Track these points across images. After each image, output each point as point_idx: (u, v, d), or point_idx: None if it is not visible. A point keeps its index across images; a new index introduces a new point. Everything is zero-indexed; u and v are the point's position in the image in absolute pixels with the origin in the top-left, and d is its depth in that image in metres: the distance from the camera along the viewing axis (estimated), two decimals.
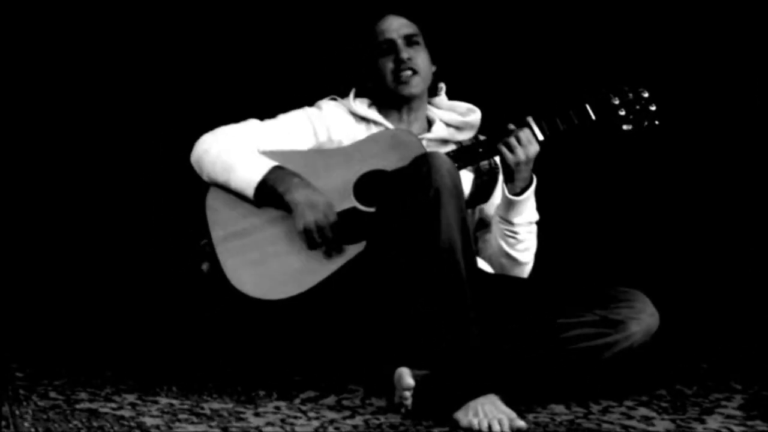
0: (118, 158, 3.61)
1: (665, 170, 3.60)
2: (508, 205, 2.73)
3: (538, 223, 2.78)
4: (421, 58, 2.83)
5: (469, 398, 2.39)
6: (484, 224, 2.87)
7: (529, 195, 2.73)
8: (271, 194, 2.67)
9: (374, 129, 2.84)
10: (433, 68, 2.89)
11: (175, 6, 3.56)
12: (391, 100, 2.86)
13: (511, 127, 2.71)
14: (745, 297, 3.54)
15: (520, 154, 2.68)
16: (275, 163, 2.70)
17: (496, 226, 2.78)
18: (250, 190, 2.68)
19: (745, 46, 3.57)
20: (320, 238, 2.64)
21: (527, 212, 2.75)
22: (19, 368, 2.85)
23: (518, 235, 2.76)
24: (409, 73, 2.81)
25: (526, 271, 2.82)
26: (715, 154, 3.59)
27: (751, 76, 3.58)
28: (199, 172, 2.75)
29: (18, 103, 3.57)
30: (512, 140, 2.68)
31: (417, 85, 2.83)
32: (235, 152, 2.71)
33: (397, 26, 2.84)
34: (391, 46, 2.83)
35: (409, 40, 2.83)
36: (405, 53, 2.81)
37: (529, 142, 2.68)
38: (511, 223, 2.75)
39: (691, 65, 3.56)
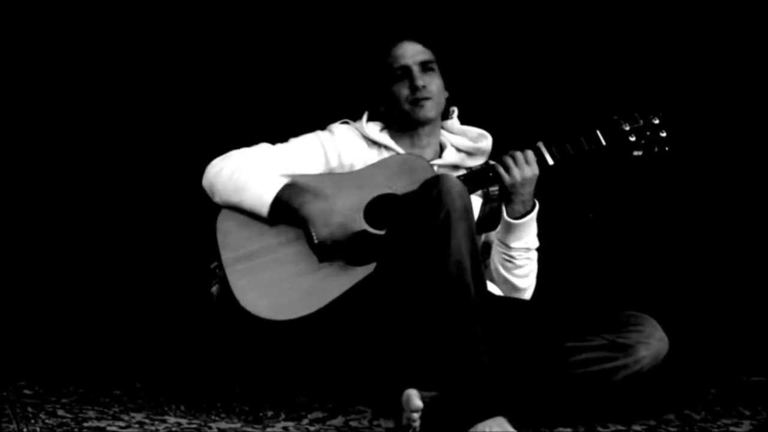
0: (129, 183, 3.62)
1: (675, 195, 3.60)
2: (507, 228, 2.73)
3: (546, 246, 2.78)
4: (435, 85, 2.84)
5: (478, 420, 2.38)
6: (488, 250, 2.87)
7: (529, 221, 2.72)
8: (285, 211, 2.68)
9: (386, 154, 2.85)
10: (446, 94, 2.90)
11: (193, 29, 3.58)
12: (403, 124, 2.87)
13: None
14: (755, 323, 3.53)
15: (516, 174, 2.68)
16: (287, 181, 2.71)
17: (495, 249, 2.79)
18: (264, 209, 2.68)
19: (756, 75, 3.57)
20: (336, 251, 2.64)
21: (526, 238, 2.75)
22: (28, 386, 2.86)
23: (515, 260, 2.76)
24: (423, 98, 2.82)
25: (525, 297, 2.81)
26: (728, 176, 3.59)
27: (760, 102, 3.58)
28: (210, 194, 2.75)
29: (21, 111, 3.59)
30: (508, 160, 2.69)
31: (431, 108, 2.84)
32: (247, 172, 2.72)
33: (413, 52, 2.85)
34: (406, 72, 2.84)
35: (425, 67, 2.84)
36: (420, 80, 2.82)
37: (526, 162, 2.68)
38: (508, 247, 2.75)
39: (700, 91, 3.56)
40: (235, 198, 2.71)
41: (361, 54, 2.99)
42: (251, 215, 2.70)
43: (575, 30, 3.59)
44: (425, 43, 2.86)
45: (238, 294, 2.64)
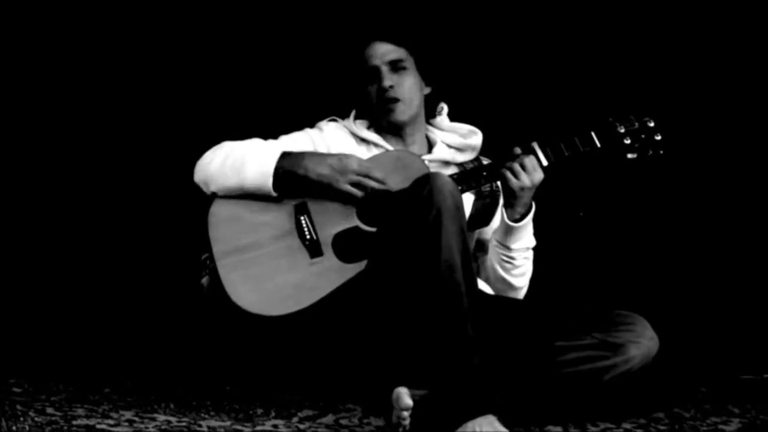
0: (117, 179, 3.61)
1: (666, 195, 3.61)
2: (507, 231, 2.74)
3: (537, 246, 2.79)
4: (407, 84, 2.84)
5: (467, 419, 2.38)
6: (482, 247, 2.87)
7: (528, 221, 2.74)
8: (289, 179, 2.67)
9: (375, 151, 2.86)
10: (427, 90, 2.90)
11: (182, 26, 3.57)
12: (383, 123, 2.88)
13: (517, 151, 2.72)
14: (743, 321, 3.54)
15: (525, 179, 2.68)
16: (282, 149, 2.70)
17: (493, 251, 2.79)
18: (267, 182, 2.67)
19: (752, 78, 3.58)
20: (372, 182, 2.66)
21: (525, 238, 2.75)
22: (17, 384, 2.85)
23: (515, 260, 2.76)
24: (391, 100, 2.82)
25: (520, 295, 2.83)
26: (717, 175, 3.60)
27: (755, 106, 3.59)
28: (205, 186, 2.73)
29: (21, 109, 3.57)
30: (516, 166, 2.69)
31: (402, 112, 2.84)
32: (241, 152, 2.70)
33: (381, 53, 2.84)
34: (375, 73, 2.84)
35: (395, 66, 2.84)
36: (387, 81, 2.82)
37: (533, 169, 2.69)
38: (508, 249, 2.75)
39: (696, 94, 3.56)
40: (233, 180, 2.69)
41: (338, 55, 3.00)
42: (252, 197, 2.69)
43: (573, 30, 3.58)
44: (396, 42, 2.85)
45: (229, 288, 2.64)
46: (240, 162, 2.69)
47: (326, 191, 2.68)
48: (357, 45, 2.87)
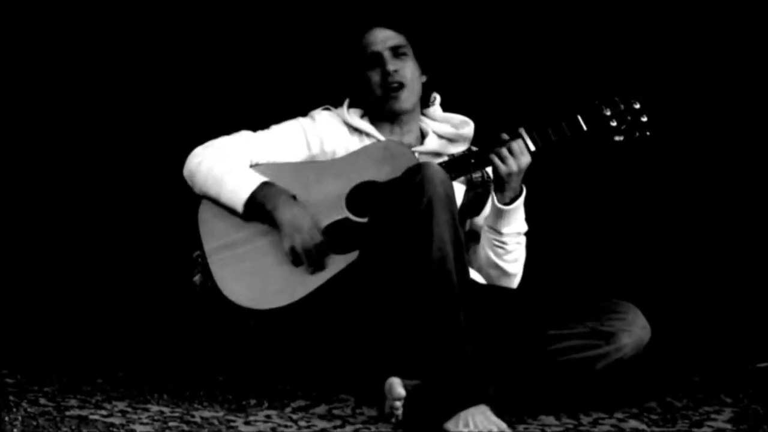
0: (110, 171, 3.60)
1: (657, 182, 3.61)
2: (497, 215, 2.74)
3: (528, 234, 2.79)
4: (408, 70, 2.84)
5: (460, 408, 2.39)
6: (474, 236, 2.87)
7: (518, 205, 2.73)
8: (259, 210, 2.68)
9: (367, 141, 2.85)
10: (423, 78, 2.90)
11: (171, 16, 3.57)
12: (381, 112, 2.87)
13: (505, 137, 2.72)
14: (736, 310, 3.54)
15: (512, 164, 2.69)
16: (264, 179, 2.70)
17: (485, 236, 2.79)
18: (239, 206, 2.68)
19: (737, 60, 3.58)
20: (305, 259, 2.64)
21: (516, 222, 2.75)
22: (10, 374, 2.85)
23: (506, 245, 2.76)
24: (396, 85, 2.82)
25: (514, 283, 2.82)
26: (707, 164, 3.60)
27: (742, 88, 3.58)
28: (191, 185, 2.76)
29: (19, 108, 3.57)
30: (504, 151, 2.69)
31: (406, 99, 2.84)
32: (226, 167, 2.72)
33: (383, 38, 2.84)
34: (377, 59, 2.83)
35: (396, 52, 2.84)
36: (391, 65, 2.82)
37: (521, 152, 2.69)
38: (499, 233, 2.75)
39: (682, 76, 3.56)
40: (212, 192, 2.71)
41: (336, 42, 2.99)
42: (229, 209, 2.70)
43: (556, 14, 3.58)
44: (396, 29, 2.85)
45: (221, 283, 2.64)
46: (220, 178, 2.70)
47: (280, 234, 2.68)
48: (356, 32, 2.87)
